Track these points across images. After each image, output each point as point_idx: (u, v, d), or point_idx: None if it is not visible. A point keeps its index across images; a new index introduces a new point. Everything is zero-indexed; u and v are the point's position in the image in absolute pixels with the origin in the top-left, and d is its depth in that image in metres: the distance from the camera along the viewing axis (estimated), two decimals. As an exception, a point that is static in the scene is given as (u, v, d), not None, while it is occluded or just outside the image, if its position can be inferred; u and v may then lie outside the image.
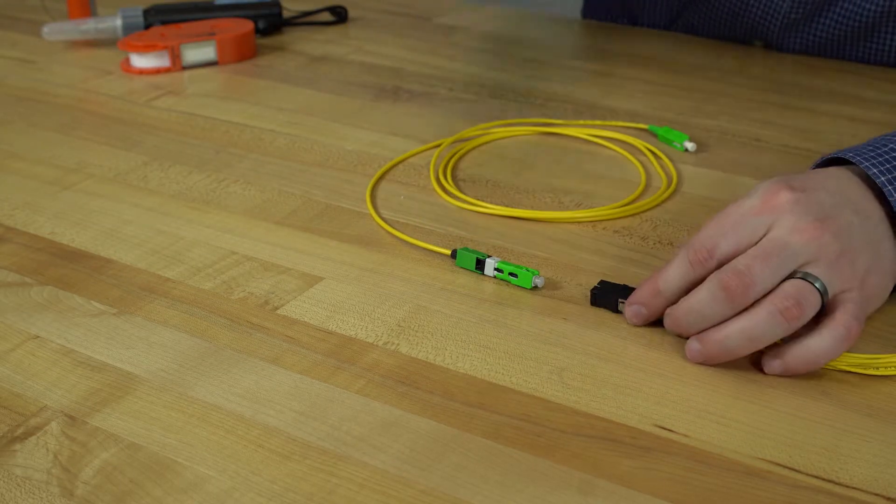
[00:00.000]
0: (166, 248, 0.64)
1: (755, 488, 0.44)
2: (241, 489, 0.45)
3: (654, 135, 0.79)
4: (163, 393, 0.51)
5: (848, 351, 0.52)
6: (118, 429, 0.48)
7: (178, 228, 0.66)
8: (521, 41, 1.05)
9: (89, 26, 1.02)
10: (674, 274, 0.53)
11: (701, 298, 0.51)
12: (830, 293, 0.51)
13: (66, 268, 0.62)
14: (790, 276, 0.51)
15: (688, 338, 0.52)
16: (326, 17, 1.13)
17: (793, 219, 0.52)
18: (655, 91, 0.89)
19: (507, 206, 0.68)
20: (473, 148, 0.78)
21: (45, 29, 1.01)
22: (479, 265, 0.60)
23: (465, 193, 0.70)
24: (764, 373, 0.51)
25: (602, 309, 0.57)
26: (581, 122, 0.81)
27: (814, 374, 0.51)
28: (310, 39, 1.04)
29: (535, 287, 0.59)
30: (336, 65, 0.96)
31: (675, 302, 0.53)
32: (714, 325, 0.51)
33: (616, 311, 0.56)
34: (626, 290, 0.56)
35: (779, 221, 0.52)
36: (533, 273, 0.59)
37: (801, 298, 0.50)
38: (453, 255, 0.61)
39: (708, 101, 0.87)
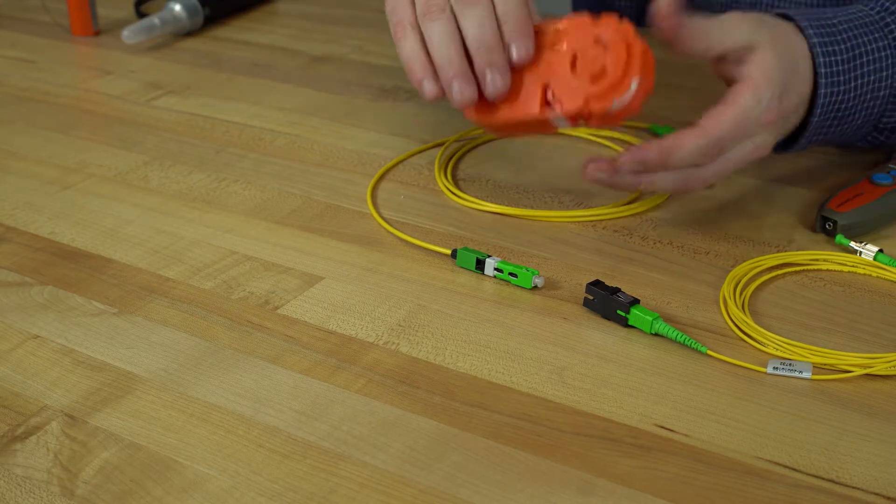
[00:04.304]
0: (166, 247, 0.64)
1: (755, 488, 0.44)
2: (242, 488, 0.45)
3: (656, 134, 0.79)
4: (163, 392, 0.51)
5: (848, 351, 0.52)
6: (118, 428, 0.48)
7: (178, 228, 0.66)
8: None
9: (155, 22, 1.00)
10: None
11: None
12: None
13: (67, 268, 0.62)
14: None
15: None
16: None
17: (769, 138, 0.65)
18: (656, 90, 0.89)
19: (507, 205, 0.68)
20: (473, 148, 0.78)
21: (125, 33, 0.98)
22: (479, 265, 0.60)
23: (465, 193, 0.70)
24: None
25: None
26: (581, 121, 0.81)
27: (814, 374, 0.51)
28: (310, 39, 1.04)
29: (535, 287, 0.59)
30: (336, 65, 0.96)
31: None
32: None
33: (607, 318, 0.56)
34: (618, 296, 0.55)
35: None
36: (533, 273, 0.59)
37: None
38: (453, 254, 0.61)
39: (708, 100, 0.87)
